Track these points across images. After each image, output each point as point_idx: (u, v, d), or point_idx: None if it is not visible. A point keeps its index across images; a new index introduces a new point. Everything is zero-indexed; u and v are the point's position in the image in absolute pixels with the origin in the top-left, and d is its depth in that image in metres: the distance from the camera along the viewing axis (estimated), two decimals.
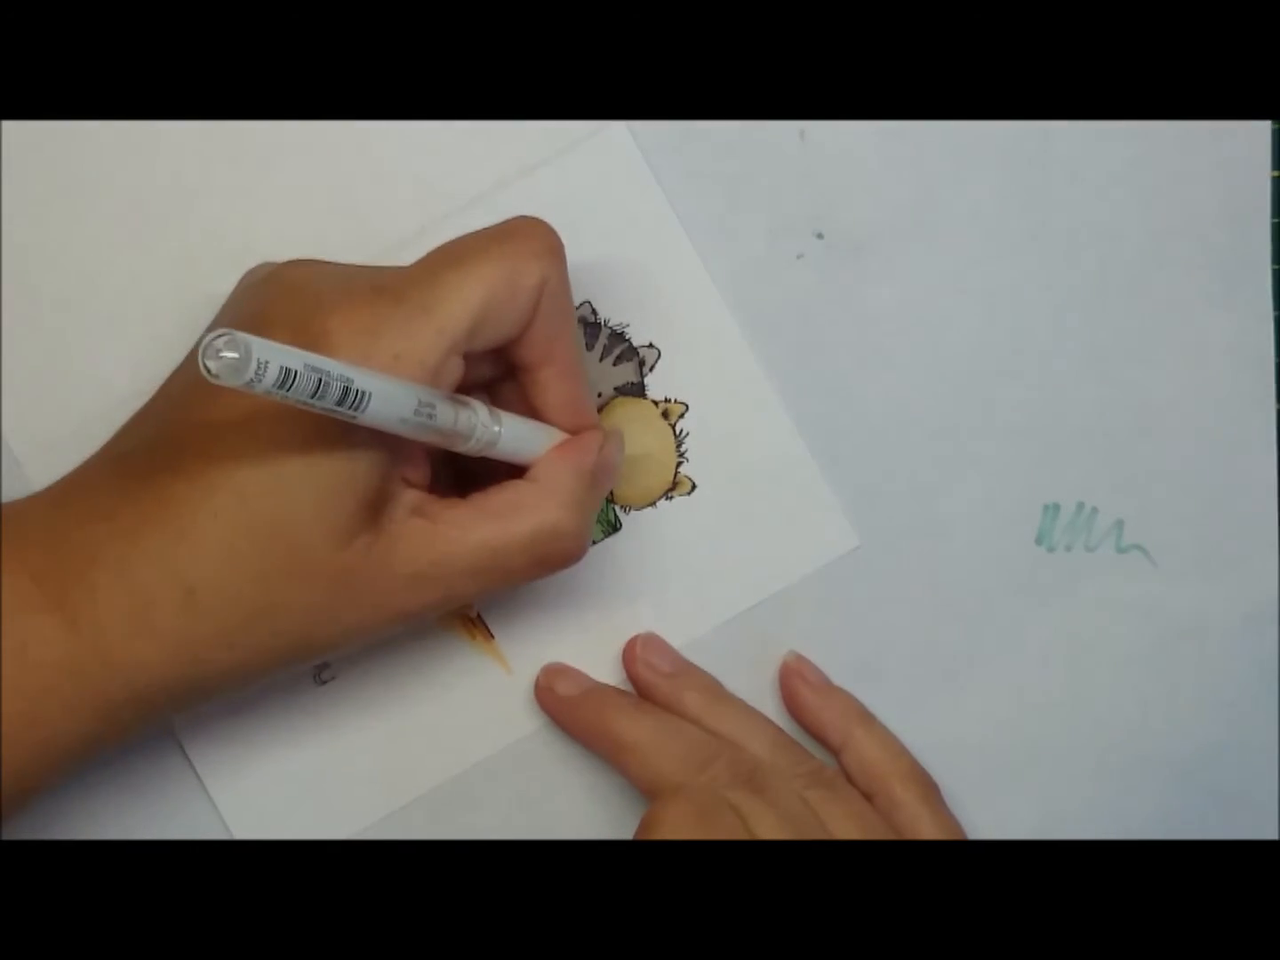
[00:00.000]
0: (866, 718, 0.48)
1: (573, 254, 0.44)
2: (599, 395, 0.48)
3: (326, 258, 0.43)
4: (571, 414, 0.44)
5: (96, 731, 0.39)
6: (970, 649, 0.49)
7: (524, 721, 0.48)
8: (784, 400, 0.48)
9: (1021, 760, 0.50)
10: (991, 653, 0.49)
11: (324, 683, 0.47)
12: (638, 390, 0.48)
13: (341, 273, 0.41)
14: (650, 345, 0.48)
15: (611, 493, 0.48)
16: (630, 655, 0.47)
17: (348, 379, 0.36)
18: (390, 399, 0.37)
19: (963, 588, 0.49)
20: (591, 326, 0.47)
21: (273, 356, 0.34)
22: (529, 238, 0.41)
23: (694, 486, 0.48)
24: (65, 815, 0.47)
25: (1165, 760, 0.50)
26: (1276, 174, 0.49)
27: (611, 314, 0.48)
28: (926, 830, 0.46)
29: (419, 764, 0.48)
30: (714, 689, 0.48)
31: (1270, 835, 0.50)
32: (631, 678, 0.47)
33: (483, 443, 0.41)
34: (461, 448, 0.41)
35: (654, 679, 0.47)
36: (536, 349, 0.42)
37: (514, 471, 0.43)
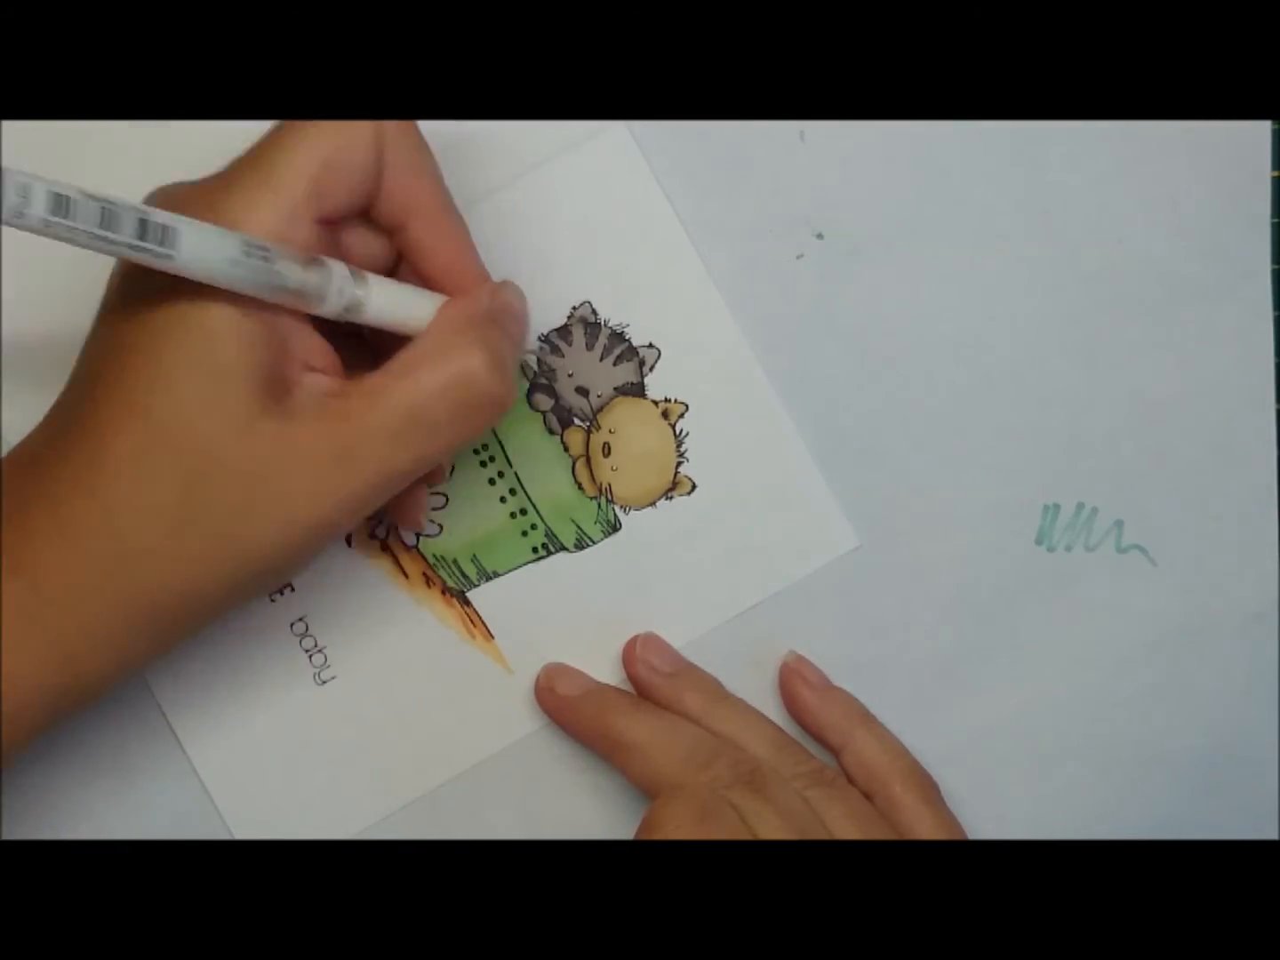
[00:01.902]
0: (867, 718, 0.48)
1: (574, 254, 0.44)
2: (599, 395, 0.48)
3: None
4: (458, 274, 0.42)
5: (63, 678, 0.39)
6: (970, 649, 0.49)
7: (524, 721, 0.48)
8: (784, 400, 0.48)
9: (1021, 760, 0.50)
10: (991, 653, 0.49)
11: (324, 683, 0.47)
12: (638, 390, 0.48)
13: (197, 180, 0.41)
14: (650, 345, 0.48)
15: (611, 492, 0.48)
16: (630, 655, 0.47)
17: (142, 211, 0.36)
18: (207, 237, 0.37)
19: (963, 588, 0.49)
20: (592, 326, 0.47)
21: (35, 181, 0.34)
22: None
23: (694, 486, 0.48)
24: (65, 815, 0.47)
25: (1165, 760, 0.50)
26: (1276, 174, 0.49)
27: (612, 314, 0.48)
28: (927, 830, 0.46)
29: (419, 764, 0.48)
30: (714, 689, 0.48)
31: (1270, 835, 0.50)
32: (631, 678, 0.47)
33: (344, 302, 0.40)
34: (321, 309, 0.40)
35: (654, 679, 0.47)
36: (395, 201, 0.41)
37: None
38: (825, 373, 0.48)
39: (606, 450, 0.48)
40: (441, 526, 0.48)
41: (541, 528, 0.48)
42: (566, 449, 0.48)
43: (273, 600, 0.47)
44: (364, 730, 0.48)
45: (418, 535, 0.48)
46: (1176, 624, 0.50)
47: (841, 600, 0.49)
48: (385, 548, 0.48)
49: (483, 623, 0.48)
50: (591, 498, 0.48)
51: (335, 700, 0.47)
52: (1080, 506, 0.49)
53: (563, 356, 0.47)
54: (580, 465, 0.48)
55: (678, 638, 0.48)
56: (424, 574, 0.48)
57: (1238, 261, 0.49)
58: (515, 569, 0.48)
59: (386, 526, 0.48)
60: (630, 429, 0.48)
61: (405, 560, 0.48)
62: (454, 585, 0.48)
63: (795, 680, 0.48)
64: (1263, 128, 0.48)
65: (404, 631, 0.48)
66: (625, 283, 0.47)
